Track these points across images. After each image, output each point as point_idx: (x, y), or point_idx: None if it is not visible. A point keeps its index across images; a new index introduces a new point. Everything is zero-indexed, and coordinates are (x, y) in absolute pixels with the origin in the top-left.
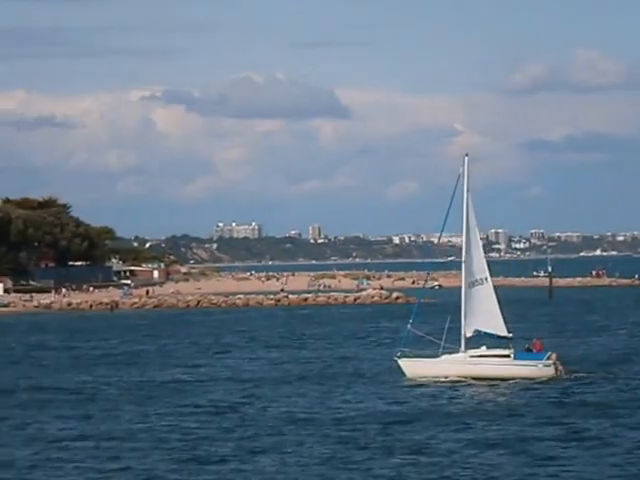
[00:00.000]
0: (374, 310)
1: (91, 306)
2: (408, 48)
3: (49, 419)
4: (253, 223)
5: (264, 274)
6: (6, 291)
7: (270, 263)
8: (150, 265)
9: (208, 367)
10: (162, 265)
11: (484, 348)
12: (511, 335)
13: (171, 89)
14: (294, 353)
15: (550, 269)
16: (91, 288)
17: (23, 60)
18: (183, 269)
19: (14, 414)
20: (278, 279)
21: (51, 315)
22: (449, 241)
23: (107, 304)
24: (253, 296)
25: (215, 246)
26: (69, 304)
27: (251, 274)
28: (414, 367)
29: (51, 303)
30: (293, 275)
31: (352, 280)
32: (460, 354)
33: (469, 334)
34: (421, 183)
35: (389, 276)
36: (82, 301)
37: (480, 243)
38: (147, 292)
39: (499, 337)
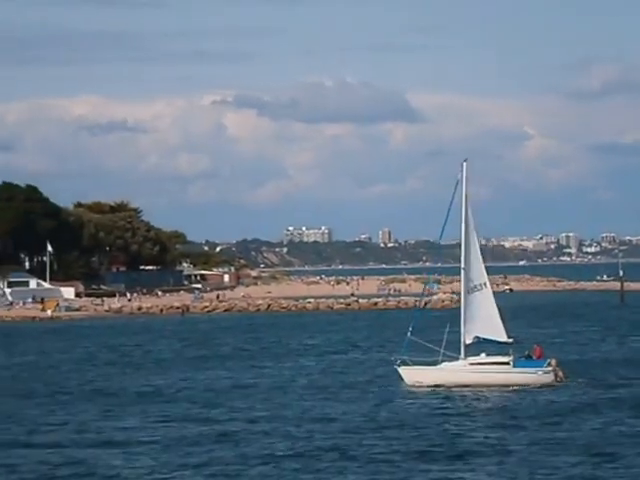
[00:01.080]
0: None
1: (162, 310)
2: (478, 51)
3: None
4: (323, 227)
5: (334, 278)
6: (77, 295)
7: (340, 267)
8: (221, 269)
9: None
10: (232, 269)
11: (483, 355)
12: (512, 340)
13: (242, 93)
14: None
15: (621, 273)
16: (159, 292)
17: (96, 65)
18: (253, 273)
19: None
20: (348, 283)
21: (126, 319)
22: (520, 245)
23: (178, 308)
24: (323, 300)
25: (285, 250)
26: (139, 308)
27: (321, 278)
28: (413, 374)
29: (122, 307)
30: (363, 279)
31: (422, 284)
32: (459, 361)
33: (469, 341)
34: (491, 186)
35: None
36: (152, 305)
37: (479, 248)
38: (218, 296)
39: (499, 343)
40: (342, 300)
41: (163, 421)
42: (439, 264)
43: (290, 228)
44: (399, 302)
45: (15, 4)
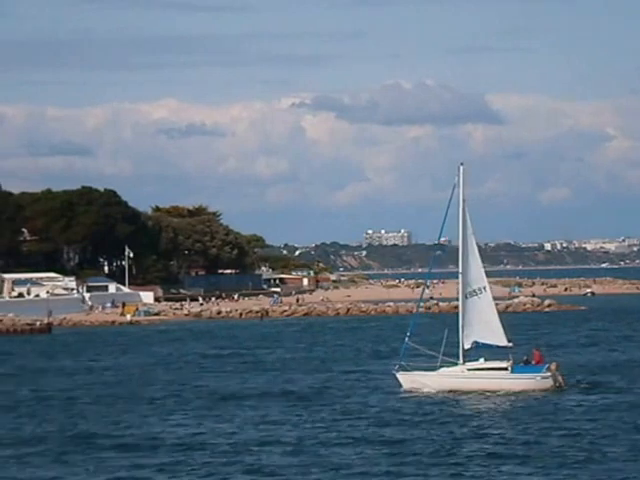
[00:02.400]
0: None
1: (241, 314)
2: (559, 53)
3: None
4: (402, 230)
5: (413, 281)
6: (156, 300)
7: (420, 270)
8: (299, 273)
9: None
10: (311, 273)
11: (482, 360)
12: (511, 345)
13: (321, 96)
14: None
15: None
16: (235, 296)
17: (174, 69)
18: (332, 277)
19: None
20: (428, 287)
21: (208, 323)
22: (602, 247)
23: (257, 312)
24: (402, 304)
25: (364, 253)
26: (219, 312)
27: (400, 281)
28: (411, 380)
29: (201, 311)
30: (443, 282)
31: (503, 287)
32: (457, 367)
33: (467, 346)
34: (573, 188)
35: (543, 283)
36: (232, 309)
37: (477, 252)
38: (297, 300)
39: (499, 347)
40: (422, 304)
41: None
42: (520, 267)
43: (369, 231)
44: None
45: (96, 9)
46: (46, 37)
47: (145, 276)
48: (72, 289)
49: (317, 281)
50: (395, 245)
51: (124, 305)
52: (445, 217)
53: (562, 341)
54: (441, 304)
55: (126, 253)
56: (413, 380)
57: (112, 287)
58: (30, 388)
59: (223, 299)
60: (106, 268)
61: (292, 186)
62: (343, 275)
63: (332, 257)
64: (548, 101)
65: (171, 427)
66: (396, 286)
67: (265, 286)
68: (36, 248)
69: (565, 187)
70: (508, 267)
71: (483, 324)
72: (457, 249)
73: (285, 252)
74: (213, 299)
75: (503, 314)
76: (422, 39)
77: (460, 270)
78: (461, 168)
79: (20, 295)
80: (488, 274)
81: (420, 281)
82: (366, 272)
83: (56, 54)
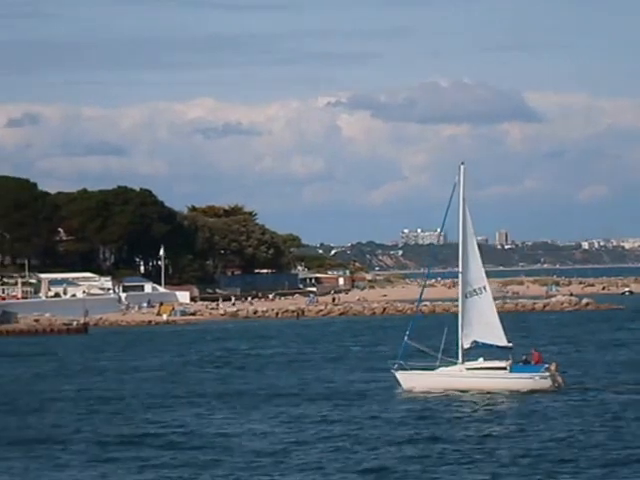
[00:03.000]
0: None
1: (277, 314)
2: (596, 50)
3: None
4: (439, 229)
5: (450, 281)
6: (193, 299)
7: (456, 269)
8: (335, 272)
9: None
10: (347, 272)
11: (481, 360)
12: (511, 345)
13: (357, 94)
14: None
15: None
16: (270, 296)
17: (210, 68)
18: (368, 276)
19: None
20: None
21: (245, 322)
22: None
23: (293, 312)
24: (439, 303)
25: (400, 253)
26: (255, 312)
27: (437, 281)
28: (410, 379)
29: (237, 311)
30: None
31: (540, 286)
32: (456, 366)
33: (467, 345)
34: (612, 187)
35: (581, 282)
36: (268, 309)
37: (477, 252)
38: (333, 299)
39: (499, 347)
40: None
41: None
42: (557, 265)
43: (405, 230)
44: (517, 304)
45: (132, 9)
46: (82, 37)
47: (181, 276)
48: (108, 289)
49: (353, 281)
50: (431, 244)
51: (162, 304)
52: (445, 217)
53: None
54: None
55: (162, 253)
56: (412, 379)
57: (148, 287)
58: (90, 386)
59: (259, 299)
60: (142, 268)
61: (328, 185)
62: (379, 274)
63: (368, 256)
64: (586, 99)
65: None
66: (432, 285)
67: (301, 286)
68: (72, 248)
69: (603, 185)
70: (545, 266)
71: (483, 324)
72: (494, 248)
73: (321, 251)
74: (249, 298)
75: (541, 313)
76: (460, 37)
77: (460, 270)
78: (462, 168)
79: (57, 295)
80: (526, 273)
81: (456, 280)
82: (402, 271)
83: (92, 54)
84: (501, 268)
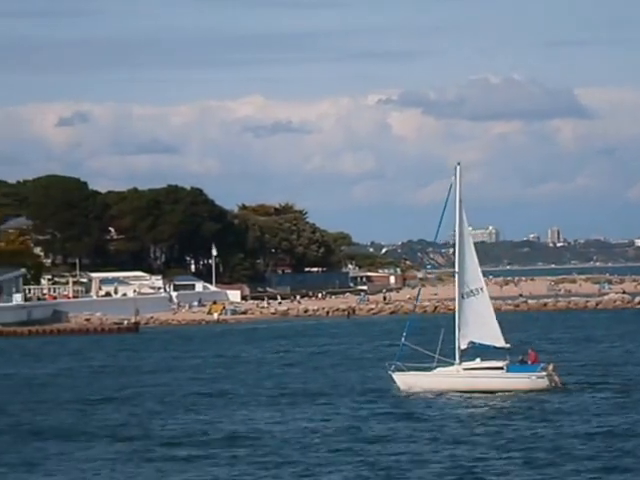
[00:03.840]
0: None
1: (327, 312)
2: None
3: None
4: (490, 227)
5: (501, 279)
6: (243, 298)
7: (507, 267)
8: (386, 271)
9: None
10: (398, 270)
11: (478, 360)
12: (509, 345)
13: (408, 92)
14: None
15: None
16: (319, 294)
17: (260, 66)
18: (419, 274)
19: None
20: (516, 284)
21: (296, 321)
22: None
23: (344, 310)
24: (491, 301)
25: (451, 251)
26: (305, 310)
27: (488, 279)
28: (407, 380)
29: (288, 310)
30: (532, 280)
31: (593, 284)
32: (453, 367)
33: (464, 346)
34: None
35: (634, 280)
36: (319, 307)
37: (474, 252)
38: (384, 298)
39: (496, 348)
40: (510, 301)
41: None
42: (610, 263)
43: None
44: (569, 303)
45: (181, 7)
46: (132, 35)
47: (232, 275)
48: (159, 288)
49: (404, 279)
50: (483, 242)
51: (215, 303)
52: (442, 217)
53: None
54: (530, 302)
55: (213, 252)
56: (409, 380)
57: (199, 286)
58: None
59: (310, 297)
60: (193, 267)
61: (378, 183)
62: (430, 273)
63: (419, 254)
64: (638, 95)
65: None
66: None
67: (352, 284)
68: (123, 247)
69: None
70: (597, 264)
71: (480, 324)
72: (545, 246)
73: (371, 250)
74: (297, 297)
75: (594, 311)
76: (509, 33)
77: (457, 270)
78: (457, 168)
79: (107, 294)
80: (578, 271)
81: (508, 278)
82: (453, 270)
83: (143, 52)
84: (553, 266)
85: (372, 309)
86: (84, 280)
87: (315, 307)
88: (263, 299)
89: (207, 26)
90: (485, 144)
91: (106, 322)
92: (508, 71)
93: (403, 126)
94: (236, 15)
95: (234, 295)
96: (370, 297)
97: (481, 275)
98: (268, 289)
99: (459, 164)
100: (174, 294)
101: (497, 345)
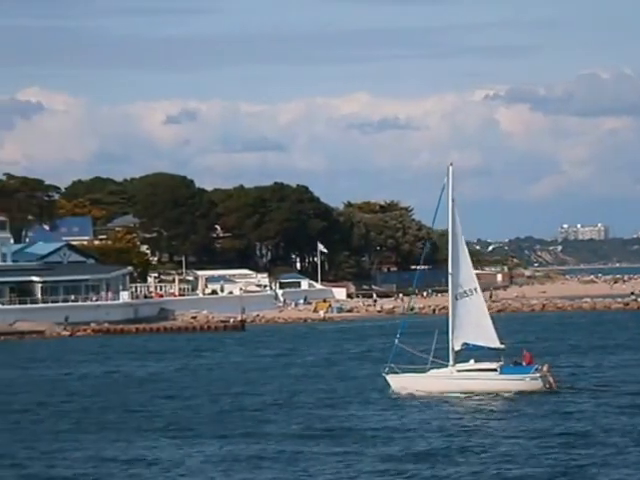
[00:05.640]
0: None
1: (434, 310)
2: None
3: None
4: (599, 224)
5: (611, 277)
6: (349, 296)
7: (617, 265)
8: (493, 268)
9: None
10: (505, 268)
11: (472, 362)
12: (503, 347)
13: (515, 87)
14: None
15: None
16: (424, 293)
17: (367, 62)
18: (527, 272)
19: None
20: (626, 282)
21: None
22: None
23: None
24: (600, 300)
25: (559, 248)
26: (411, 309)
27: (597, 277)
28: (401, 382)
29: (394, 308)
30: None
31: None
32: (447, 368)
33: (457, 347)
34: None
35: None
36: (425, 305)
37: (467, 253)
38: (490, 296)
39: (490, 349)
40: (620, 299)
41: None
42: None
43: (564, 225)
44: None
45: (288, 4)
46: (239, 33)
47: (337, 272)
48: (265, 286)
49: (511, 277)
50: (592, 239)
51: (325, 301)
52: (435, 217)
53: None
54: None
55: (318, 249)
56: (402, 382)
57: (304, 284)
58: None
59: (416, 295)
60: (298, 264)
61: (485, 180)
62: (538, 270)
63: (526, 252)
64: None
65: None
66: (593, 282)
67: None
68: (229, 245)
69: None
70: None
71: (474, 326)
72: None
73: (478, 247)
74: (400, 295)
75: None
76: (619, 27)
77: (450, 271)
78: (450, 168)
79: (214, 292)
80: None
81: (618, 276)
82: (561, 267)
83: (250, 50)
84: None
85: None
86: (190, 278)
87: (422, 305)
88: (371, 296)
89: (313, 23)
90: (594, 140)
91: (212, 320)
92: (618, 66)
93: (511, 122)
94: (344, 12)
95: (339, 293)
96: None
97: (474, 276)
98: (373, 287)
99: (451, 164)
100: (280, 292)
101: (491, 346)
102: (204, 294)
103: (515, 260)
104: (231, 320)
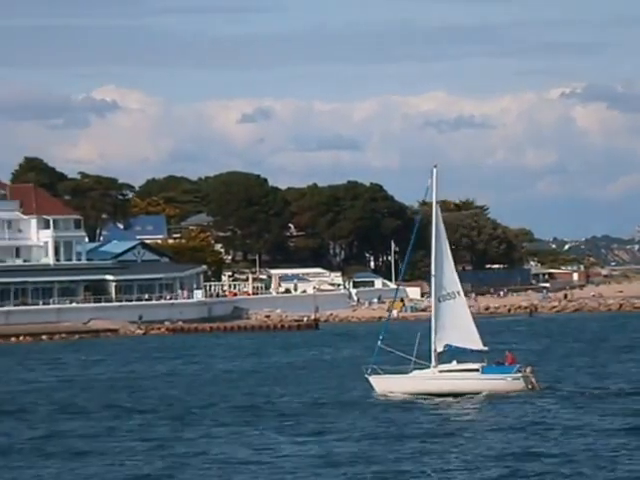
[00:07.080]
0: None
1: (509, 310)
2: None
3: None
4: None
5: None
6: (423, 295)
7: None
8: (569, 267)
9: None
10: (581, 267)
11: (454, 362)
12: (487, 348)
13: (592, 85)
14: None
15: None
16: (501, 292)
17: (444, 60)
18: (603, 271)
19: None
20: None
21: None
22: None
23: (526, 308)
24: None
25: (637, 247)
26: (487, 308)
27: None
28: (384, 383)
29: (470, 307)
30: None
31: None
32: (429, 369)
33: (440, 349)
34: None
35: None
36: (500, 305)
37: (450, 255)
38: (565, 296)
39: (473, 351)
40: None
41: None
42: None
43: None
44: None
45: (362, 2)
46: (314, 30)
47: (412, 272)
48: (338, 285)
49: (587, 276)
50: None
51: (402, 300)
52: (419, 220)
53: None
54: None
55: (392, 248)
56: (385, 383)
57: (378, 283)
58: None
59: (492, 295)
60: (372, 263)
61: (561, 178)
62: (615, 270)
63: (603, 251)
64: None
65: None
66: None
67: (533, 281)
68: (302, 244)
69: None
70: None
71: (457, 328)
72: None
73: (554, 246)
74: (473, 295)
75: None
76: None
77: (433, 273)
78: (434, 171)
79: (287, 291)
80: None
81: None
82: (639, 267)
83: (323, 47)
84: None
85: (555, 307)
86: (264, 277)
87: (496, 305)
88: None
89: (389, 21)
90: None
91: (286, 319)
92: None
93: (587, 120)
94: (420, 9)
95: (414, 292)
96: (552, 295)
97: (457, 279)
98: None
99: (435, 167)
100: (353, 291)
101: (474, 348)
102: (277, 293)
103: (592, 259)
104: (305, 319)
